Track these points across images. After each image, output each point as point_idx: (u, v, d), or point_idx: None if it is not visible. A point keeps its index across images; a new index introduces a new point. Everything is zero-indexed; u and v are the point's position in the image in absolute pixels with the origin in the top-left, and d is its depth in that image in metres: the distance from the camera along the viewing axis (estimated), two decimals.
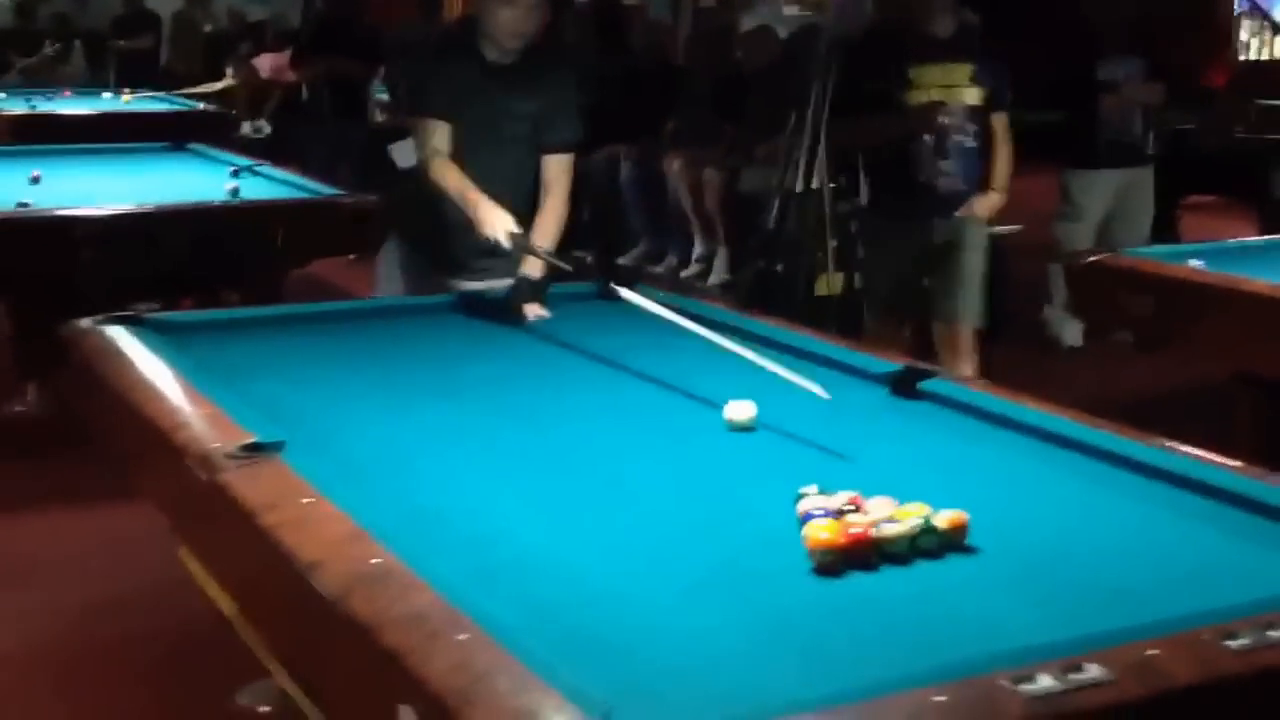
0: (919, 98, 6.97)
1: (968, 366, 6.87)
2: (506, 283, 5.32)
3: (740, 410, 3.90)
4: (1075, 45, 9.73)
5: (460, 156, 5.72)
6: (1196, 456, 3.46)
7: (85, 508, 6.44)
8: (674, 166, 10.05)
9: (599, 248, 10.94)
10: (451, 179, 5.65)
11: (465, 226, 5.55)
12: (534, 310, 5.07)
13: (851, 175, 8.02)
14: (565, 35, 11.83)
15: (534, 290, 5.27)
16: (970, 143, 7.09)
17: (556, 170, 5.74)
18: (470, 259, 5.73)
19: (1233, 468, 3.39)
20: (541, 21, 5.64)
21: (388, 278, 6.08)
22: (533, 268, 5.38)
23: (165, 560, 4.26)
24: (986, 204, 7.27)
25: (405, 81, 6.53)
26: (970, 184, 7.17)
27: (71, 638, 5.33)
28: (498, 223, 5.41)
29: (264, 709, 4.52)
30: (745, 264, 8.78)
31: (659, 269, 10.43)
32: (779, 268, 8.14)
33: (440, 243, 5.80)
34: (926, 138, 7.00)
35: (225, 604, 3.76)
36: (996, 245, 9.74)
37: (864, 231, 7.55)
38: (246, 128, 14.33)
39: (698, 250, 10.12)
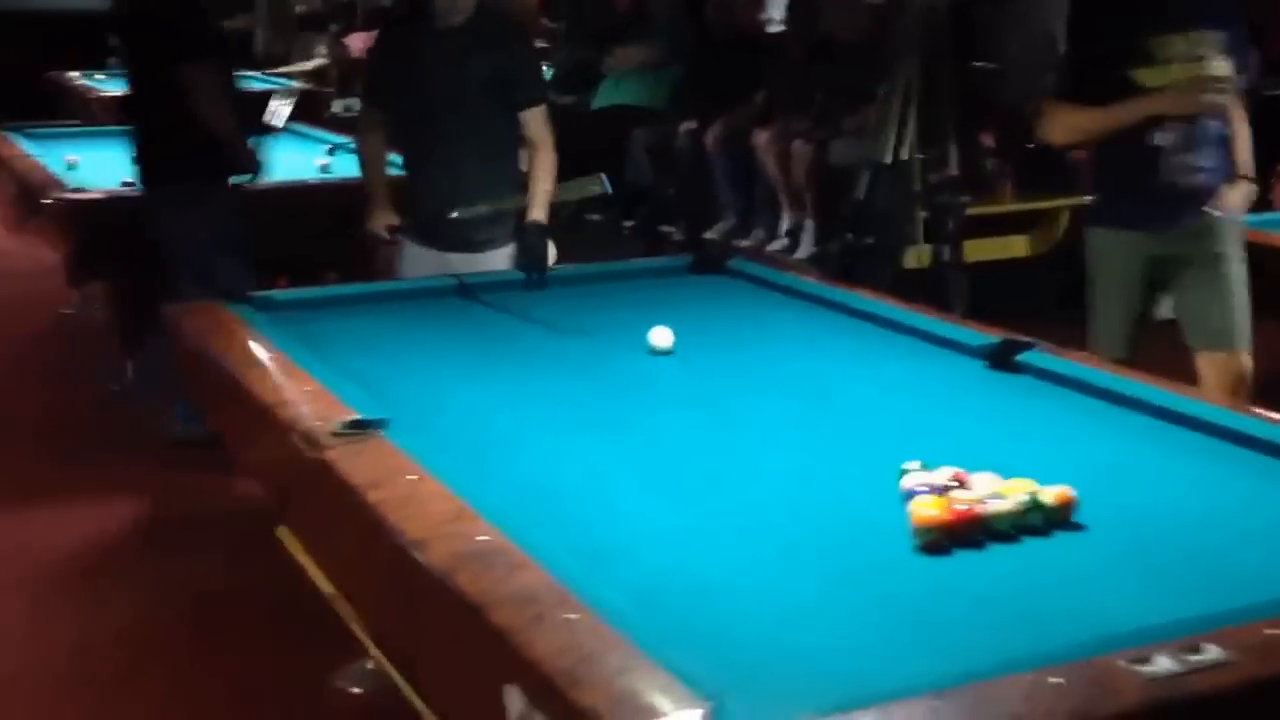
0: (1159, 77, 5.30)
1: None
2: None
3: (661, 337, 4.29)
4: None
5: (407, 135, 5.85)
6: None
7: (180, 490, 6.45)
8: (762, 139, 9.96)
9: (686, 221, 10.87)
10: (365, 160, 5.89)
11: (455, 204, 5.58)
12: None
13: (942, 147, 7.90)
14: (653, 6, 11.78)
15: (532, 256, 5.31)
16: (1222, 128, 5.50)
17: (535, 125, 5.67)
18: (470, 234, 5.68)
19: None
20: None
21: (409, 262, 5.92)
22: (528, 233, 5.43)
23: (265, 542, 4.24)
24: (1240, 195, 5.64)
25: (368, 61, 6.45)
26: (1220, 177, 5.55)
27: (172, 620, 5.32)
28: (377, 218, 5.64)
29: (358, 690, 4.49)
30: (833, 237, 8.66)
31: (746, 242, 10.32)
32: (868, 240, 8.03)
33: (438, 223, 5.71)
34: (1177, 126, 5.37)
35: (324, 583, 3.73)
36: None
37: (1090, 251, 5.85)
38: (338, 106, 14.28)
39: (785, 223, 10.03)
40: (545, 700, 2.21)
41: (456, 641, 2.58)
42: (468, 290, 5.14)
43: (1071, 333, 5.20)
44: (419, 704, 3.06)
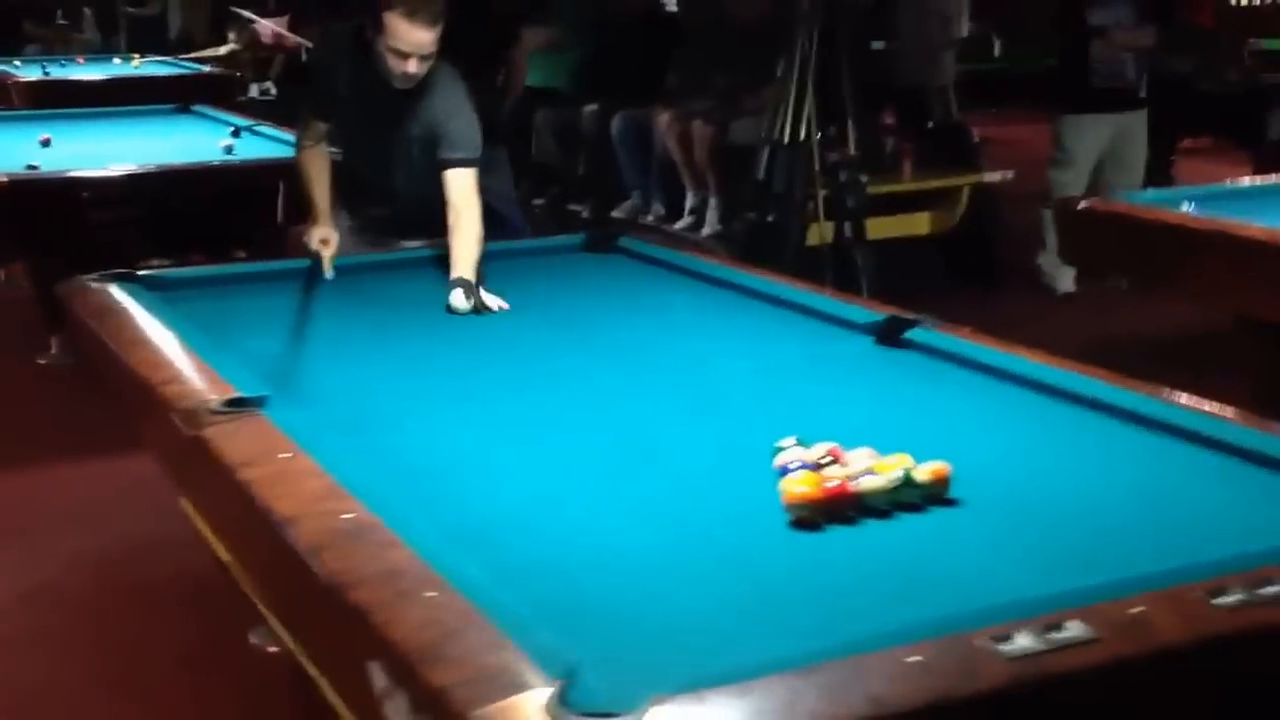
0: None
1: None
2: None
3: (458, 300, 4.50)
4: None
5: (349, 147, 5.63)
6: (1190, 405, 3.31)
7: (110, 455, 6.31)
8: (663, 119, 9.89)
9: (593, 201, 10.81)
10: (307, 176, 5.51)
11: (406, 198, 5.44)
12: (494, 301, 4.70)
13: (840, 125, 7.85)
14: None
15: (473, 293, 4.72)
16: None
17: (456, 187, 5.10)
18: (422, 223, 5.46)
19: (1228, 417, 3.23)
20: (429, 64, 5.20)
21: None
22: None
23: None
24: None
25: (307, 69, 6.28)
26: None
27: (96, 579, 5.34)
28: (314, 232, 5.24)
29: (274, 648, 4.40)
30: (736, 215, 8.61)
31: (650, 220, 10.27)
32: (769, 219, 7.97)
33: (388, 210, 5.60)
34: None
35: (222, 552, 3.65)
36: (989, 193, 9.68)
37: None
38: (254, 90, 14.15)
39: (689, 202, 9.97)
40: (403, 677, 2.15)
41: (327, 616, 2.50)
42: (364, 269, 5.05)
43: (972, 309, 5.22)
44: (312, 670, 2.98)
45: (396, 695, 2.17)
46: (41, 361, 7.85)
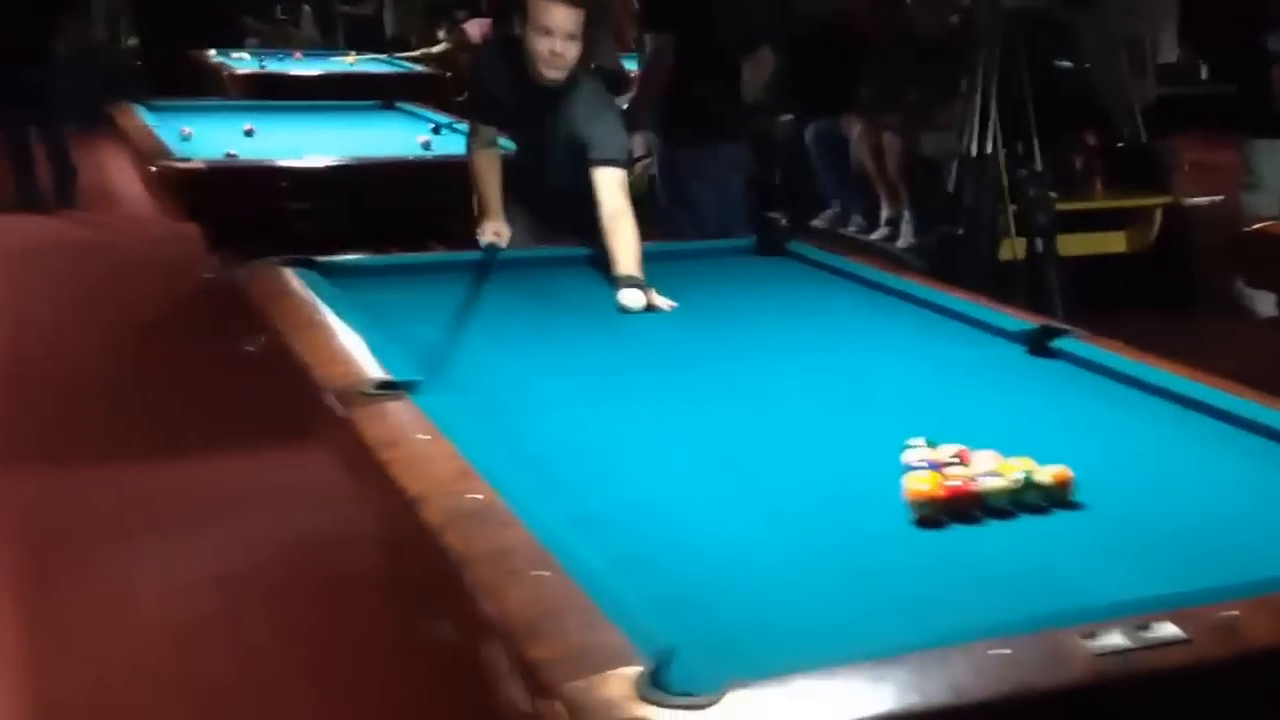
0: None
1: None
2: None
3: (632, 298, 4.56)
4: (1246, 17, 9.40)
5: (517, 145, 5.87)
6: None
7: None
8: (855, 130, 9.89)
9: (791, 209, 10.82)
10: (478, 173, 5.77)
11: (559, 195, 5.58)
12: (663, 301, 4.72)
13: (1027, 141, 7.80)
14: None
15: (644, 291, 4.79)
16: None
17: (604, 186, 5.21)
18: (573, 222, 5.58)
19: None
20: (582, 50, 5.43)
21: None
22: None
23: None
24: None
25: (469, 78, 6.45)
26: None
27: (289, 567, 5.39)
28: (486, 226, 5.54)
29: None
30: (930, 228, 8.60)
31: (850, 231, 10.27)
32: (961, 232, 7.95)
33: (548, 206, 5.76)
34: None
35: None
36: (1187, 216, 9.55)
37: None
38: None
39: (885, 214, 9.96)
40: (509, 652, 2.20)
41: (451, 593, 2.57)
42: (535, 264, 5.13)
43: (1163, 329, 5.16)
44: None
45: (506, 670, 2.23)
46: (247, 348, 7.93)
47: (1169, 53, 11.10)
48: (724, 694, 1.99)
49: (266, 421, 6.46)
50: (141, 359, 8.10)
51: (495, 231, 5.46)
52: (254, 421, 6.43)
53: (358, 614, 4.85)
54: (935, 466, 2.86)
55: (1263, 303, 9.17)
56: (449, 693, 3.13)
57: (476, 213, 5.75)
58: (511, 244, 5.46)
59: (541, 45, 5.25)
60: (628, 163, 5.40)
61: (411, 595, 3.16)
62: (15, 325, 8.84)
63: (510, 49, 5.50)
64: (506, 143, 5.93)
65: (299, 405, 4.13)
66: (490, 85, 5.65)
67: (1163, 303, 9.14)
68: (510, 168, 5.80)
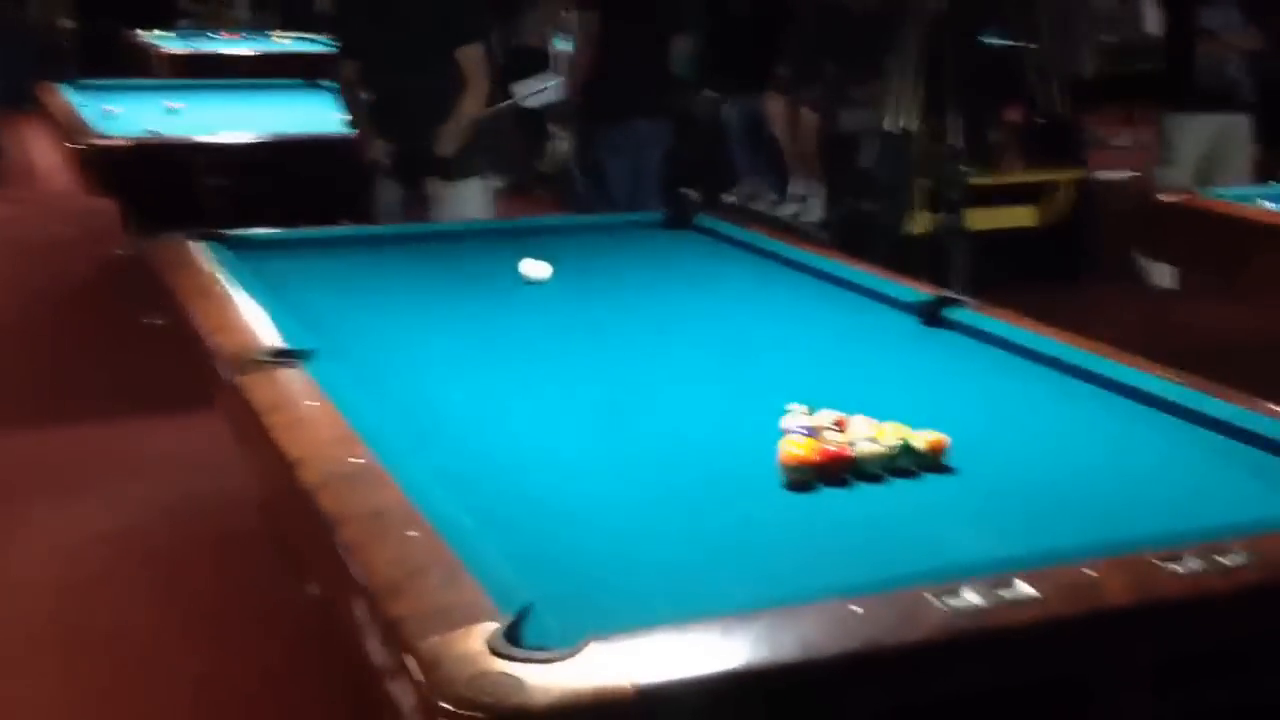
0: None
1: None
2: None
3: (534, 268, 4.48)
4: None
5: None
6: (1201, 387, 3.28)
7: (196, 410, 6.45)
8: (773, 106, 9.91)
9: (705, 185, 10.83)
10: None
11: None
12: None
13: (941, 117, 7.81)
14: None
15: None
16: None
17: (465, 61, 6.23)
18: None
19: (1231, 399, 3.21)
20: None
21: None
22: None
23: None
24: None
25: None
26: None
27: (170, 529, 5.43)
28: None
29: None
30: (840, 202, 8.62)
31: (761, 206, 10.28)
32: (872, 207, 7.98)
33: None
34: None
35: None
36: (1092, 187, 9.60)
37: None
38: None
39: (796, 189, 9.98)
40: (370, 609, 2.20)
41: (325, 553, 2.56)
42: (441, 236, 5.13)
43: (1060, 300, 5.18)
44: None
45: (369, 627, 2.22)
46: (145, 321, 7.93)
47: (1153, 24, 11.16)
48: (580, 649, 1.98)
49: (166, 390, 6.59)
50: (52, 330, 8.16)
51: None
52: (154, 390, 6.52)
53: (239, 575, 4.92)
54: (811, 432, 2.86)
55: (1158, 273, 9.22)
56: (323, 651, 3.15)
57: None
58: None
59: None
60: None
61: (289, 556, 3.16)
62: None
63: None
64: None
65: (195, 373, 4.13)
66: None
67: (1068, 276, 9.20)
68: None
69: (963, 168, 7.87)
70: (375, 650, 2.15)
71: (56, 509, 5.60)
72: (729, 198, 10.52)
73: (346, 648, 2.35)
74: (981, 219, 8.29)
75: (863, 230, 7.90)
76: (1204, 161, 9.03)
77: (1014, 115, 9.93)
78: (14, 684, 4.38)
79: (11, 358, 7.60)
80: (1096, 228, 9.66)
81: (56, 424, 6.59)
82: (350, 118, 6.74)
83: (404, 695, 2.00)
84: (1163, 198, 6.20)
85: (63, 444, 6.35)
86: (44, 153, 12.19)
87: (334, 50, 7.02)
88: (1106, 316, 5.05)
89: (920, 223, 7.98)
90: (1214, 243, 5.77)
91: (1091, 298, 8.52)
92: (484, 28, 6.51)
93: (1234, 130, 9.05)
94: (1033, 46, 9.87)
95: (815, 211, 9.57)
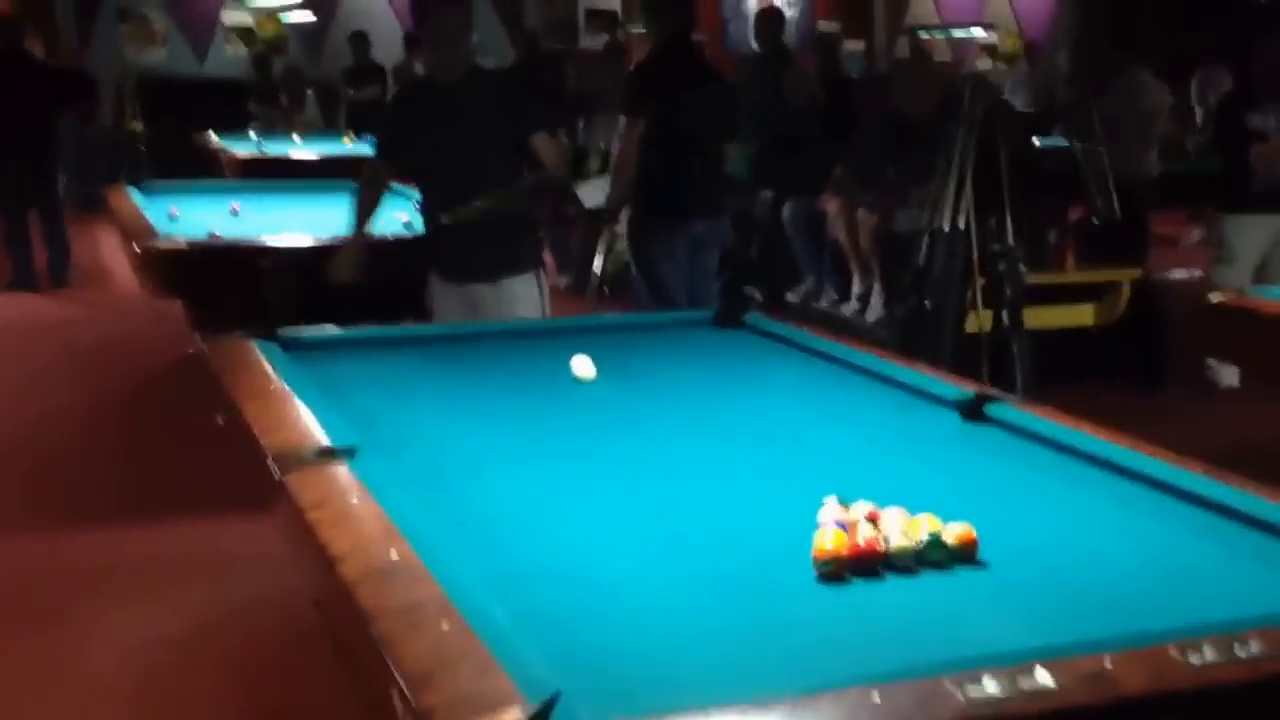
0: None
1: None
2: None
3: (583, 367, 4.46)
4: (1228, 94, 9.51)
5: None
6: (1233, 483, 3.31)
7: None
8: (832, 206, 10.02)
9: (767, 284, 10.93)
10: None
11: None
12: None
13: (1000, 216, 7.86)
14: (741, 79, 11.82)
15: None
16: None
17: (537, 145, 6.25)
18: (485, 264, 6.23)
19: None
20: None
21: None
22: None
23: None
24: None
25: None
26: None
27: (238, 627, 5.47)
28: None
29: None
30: (899, 301, 8.67)
31: (823, 305, 10.38)
32: (927, 304, 8.01)
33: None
34: None
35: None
36: (1160, 289, 9.61)
37: None
38: None
39: (856, 288, 10.07)
40: (404, 700, 2.25)
41: (364, 646, 2.62)
42: (492, 336, 5.20)
43: (1126, 401, 5.17)
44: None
45: (404, 716, 2.28)
46: (219, 421, 8.01)
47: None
48: None
49: (234, 490, 6.64)
50: (122, 431, 8.24)
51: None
52: (224, 490, 6.51)
53: (304, 673, 4.92)
54: (844, 525, 2.91)
55: (1226, 375, 9.20)
56: None
57: None
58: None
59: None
60: None
61: (342, 652, 3.21)
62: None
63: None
64: None
65: (255, 473, 4.21)
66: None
67: (1131, 377, 9.20)
68: None
69: (1021, 267, 7.92)
70: None
71: (129, 609, 5.66)
72: (792, 297, 10.59)
73: None
74: (1040, 317, 8.31)
75: (922, 328, 7.92)
76: (1263, 262, 9.05)
77: (1075, 215, 9.99)
78: None
79: (84, 456, 7.69)
80: (1161, 327, 9.66)
81: (129, 524, 6.64)
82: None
83: None
84: (1213, 297, 6.24)
85: (136, 543, 6.39)
86: (111, 254, 12.39)
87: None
88: (1170, 415, 5.05)
89: (980, 321, 8.00)
90: (1264, 342, 5.80)
91: (1156, 396, 8.52)
92: (551, 121, 6.51)
93: None
94: (1090, 147, 9.94)
95: (877, 310, 9.63)
